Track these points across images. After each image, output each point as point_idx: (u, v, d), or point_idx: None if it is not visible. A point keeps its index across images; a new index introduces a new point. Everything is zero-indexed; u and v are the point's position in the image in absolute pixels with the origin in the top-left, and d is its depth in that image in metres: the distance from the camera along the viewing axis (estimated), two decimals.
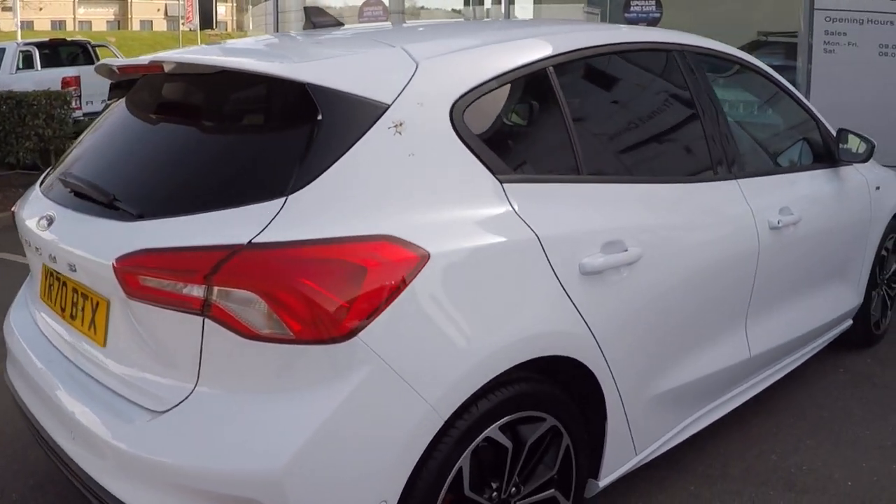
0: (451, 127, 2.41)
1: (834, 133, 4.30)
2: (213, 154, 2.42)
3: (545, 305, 2.46)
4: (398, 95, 2.34)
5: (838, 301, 4.37)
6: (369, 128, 2.26)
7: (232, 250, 2.07)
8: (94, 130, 3.00)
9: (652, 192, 2.96)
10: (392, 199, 2.24)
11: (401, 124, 2.31)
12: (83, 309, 2.54)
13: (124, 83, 2.99)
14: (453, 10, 16.59)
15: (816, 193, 3.99)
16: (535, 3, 13.65)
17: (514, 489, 2.46)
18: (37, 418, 2.63)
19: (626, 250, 2.67)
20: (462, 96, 2.46)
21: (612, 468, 2.86)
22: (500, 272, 2.37)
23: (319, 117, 2.22)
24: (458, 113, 2.43)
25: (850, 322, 4.65)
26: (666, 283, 2.88)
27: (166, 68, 2.59)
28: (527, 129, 2.81)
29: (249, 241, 2.07)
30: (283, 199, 2.13)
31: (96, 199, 2.49)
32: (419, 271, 2.16)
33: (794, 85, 4.60)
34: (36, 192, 2.96)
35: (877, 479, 3.50)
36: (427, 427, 2.18)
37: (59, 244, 2.54)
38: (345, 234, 2.13)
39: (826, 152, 4.22)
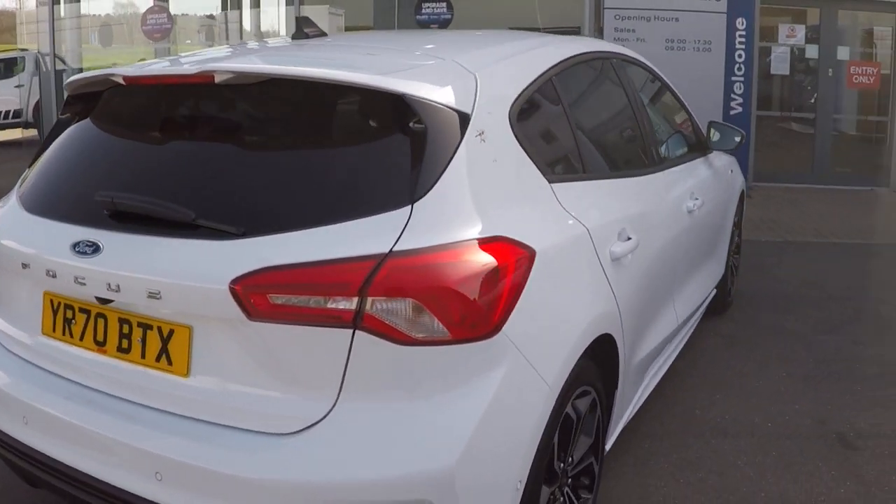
0: (511, 133, 2.67)
1: (699, 125, 5.03)
2: (319, 166, 2.42)
3: (599, 289, 2.84)
4: (473, 106, 2.53)
5: (714, 272, 5.09)
6: (463, 137, 2.43)
7: (379, 259, 2.16)
8: (92, 143, 2.85)
9: (628, 185, 3.44)
10: (490, 202, 2.42)
11: (482, 133, 2.50)
12: (143, 340, 2.44)
13: (82, 96, 2.92)
14: (208, 17, 16.55)
15: (705, 179, 4.66)
16: (287, 5, 13.98)
17: (569, 459, 2.79)
18: (77, 468, 2.47)
19: (630, 238, 3.12)
20: (512, 105, 2.73)
21: (612, 432, 3.31)
22: (574, 263, 2.72)
23: (422, 127, 2.36)
24: (513, 120, 2.70)
25: (715, 290, 5.40)
26: (646, 265, 3.36)
27: (218, 78, 2.51)
28: (550, 132, 3.11)
29: (391, 250, 2.18)
30: (409, 206, 2.25)
31: (166, 219, 2.38)
32: (532, 266, 2.42)
33: None
34: (21, 214, 2.76)
35: (788, 417, 4.20)
36: (547, 407, 2.45)
37: (129, 272, 2.39)
38: (471, 236, 2.29)
39: (698, 142, 4.92)
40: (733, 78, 10.27)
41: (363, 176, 2.36)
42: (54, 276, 2.54)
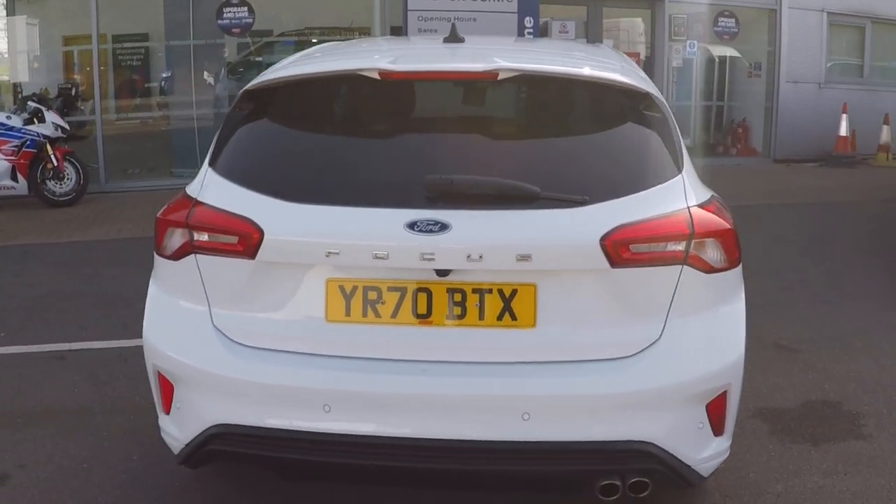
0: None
1: None
2: (614, 148, 3.07)
3: None
4: (661, 96, 3.19)
5: None
6: (672, 121, 3.13)
7: (689, 212, 2.84)
8: (350, 132, 3.17)
9: None
10: (693, 171, 3.13)
11: (672, 117, 3.17)
12: (480, 304, 2.80)
13: (258, 92, 3.15)
14: None
15: None
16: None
17: None
18: (416, 437, 2.78)
19: None
20: None
21: None
22: None
23: (662, 116, 3.07)
24: None
25: None
26: None
27: (502, 76, 2.94)
28: None
29: (689, 206, 2.87)
30: (681, 175, 2.97)
31: (511, 196, 2.82)
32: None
33: None
34: (295, 208, 2.87)
35: None
36: None
37: (496, 241, 2.75)
38: (711, 194, 3.06)
39: None
40: None
41: (646, 154, 3.04)
42: (385, 257, 2.77)
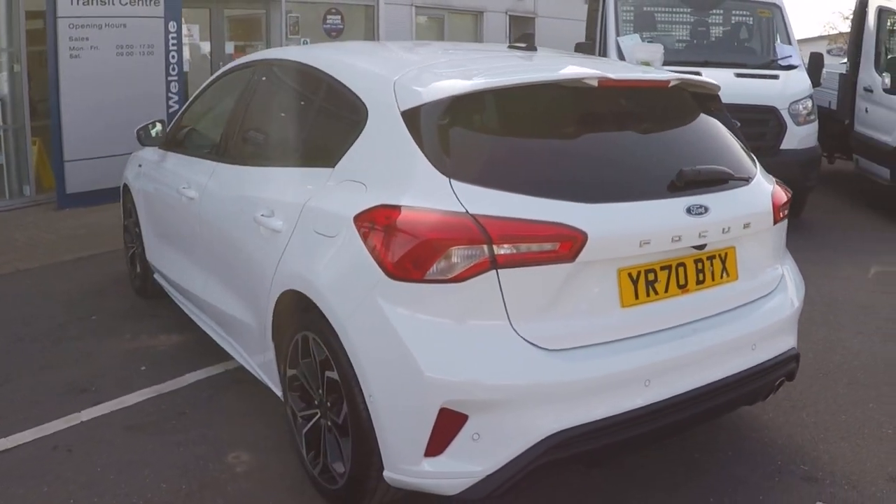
0: None
1: None
2: (726, 137, 3.92)
3: None
4: None
5: None
6: None
7: (779, 184, 3.97)
8: (594, 136, 3.61)
9: None
10: None
11: None
12: (711, 269, 3.51)
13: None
14: None
15: None
16: None
17: None
18: (697, 386, 3.35)
19: None
20: None
21: None
22: None
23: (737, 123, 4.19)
24: None
25: None
26: None
27: (671, 83, 3.77)
28: None
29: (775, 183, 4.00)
30: (752, 156, 4.03)
31: (720, 179, 3.59)
32: None
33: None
34: (601, 207, 3.18)
35: None
36: None
37: (736, 217, 3.54)
38: None
39: None
40: (170, 78, 11.38)
41: (737, 142, 4.02)
42: (679, 239, 3.34)
